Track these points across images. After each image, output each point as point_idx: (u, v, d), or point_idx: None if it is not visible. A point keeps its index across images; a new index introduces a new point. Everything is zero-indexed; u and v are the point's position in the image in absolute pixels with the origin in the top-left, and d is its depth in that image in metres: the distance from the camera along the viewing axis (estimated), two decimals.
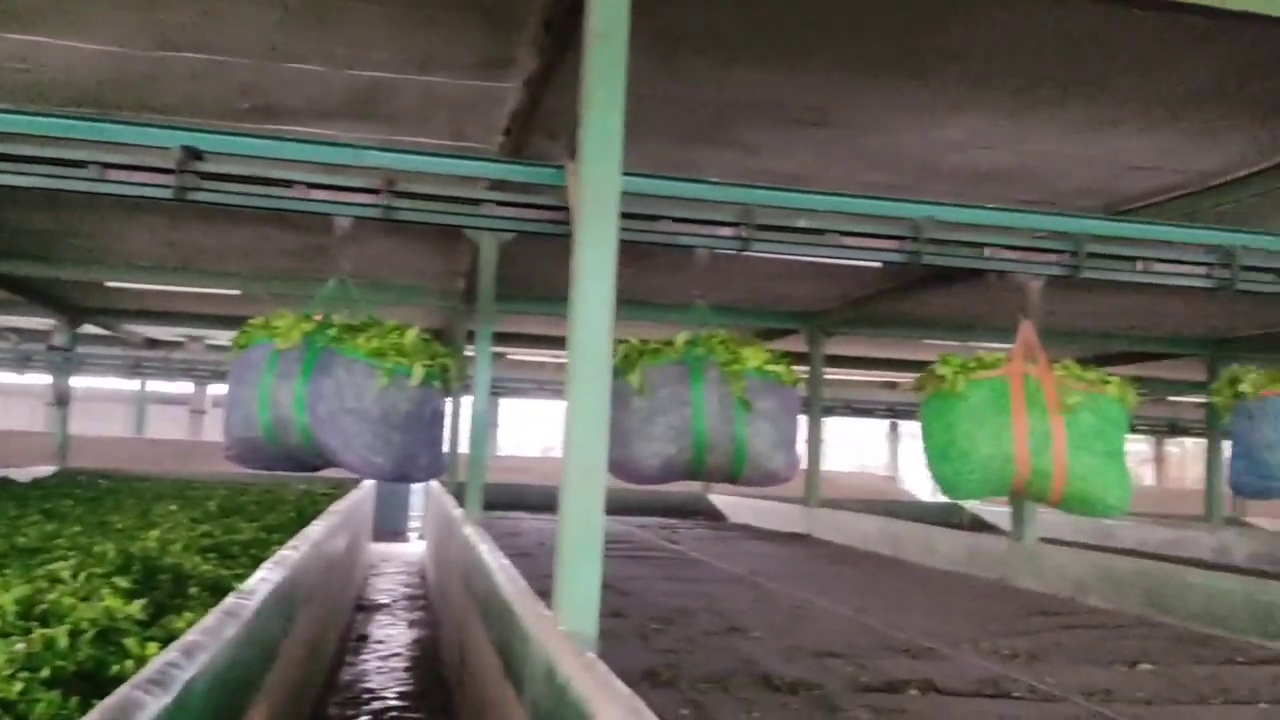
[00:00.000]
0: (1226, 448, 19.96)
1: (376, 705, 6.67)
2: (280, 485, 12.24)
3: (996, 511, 16.19)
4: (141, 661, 2.92)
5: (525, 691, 3.72)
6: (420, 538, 15.50)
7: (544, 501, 10.19)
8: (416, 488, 15.37)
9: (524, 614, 4.02)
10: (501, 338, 17.50)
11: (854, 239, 5.49)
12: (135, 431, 27.54)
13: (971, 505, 20.04)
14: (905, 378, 22.31)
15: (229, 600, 3.45)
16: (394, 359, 5.07)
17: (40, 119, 4.99)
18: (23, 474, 13.08)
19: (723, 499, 17.60)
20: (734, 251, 5.41)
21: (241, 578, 4.24)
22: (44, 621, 3.25)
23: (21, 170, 4.87)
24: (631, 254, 11.12)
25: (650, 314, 13.74)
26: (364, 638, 8.60)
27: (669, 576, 8.89)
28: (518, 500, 16.29)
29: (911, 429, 30.35)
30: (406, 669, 7.67)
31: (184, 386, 27.65)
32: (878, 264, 5.88)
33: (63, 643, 3.01)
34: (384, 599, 10.79)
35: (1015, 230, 5.84)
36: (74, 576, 3.92)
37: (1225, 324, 13.53)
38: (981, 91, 6.08)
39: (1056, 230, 5.82)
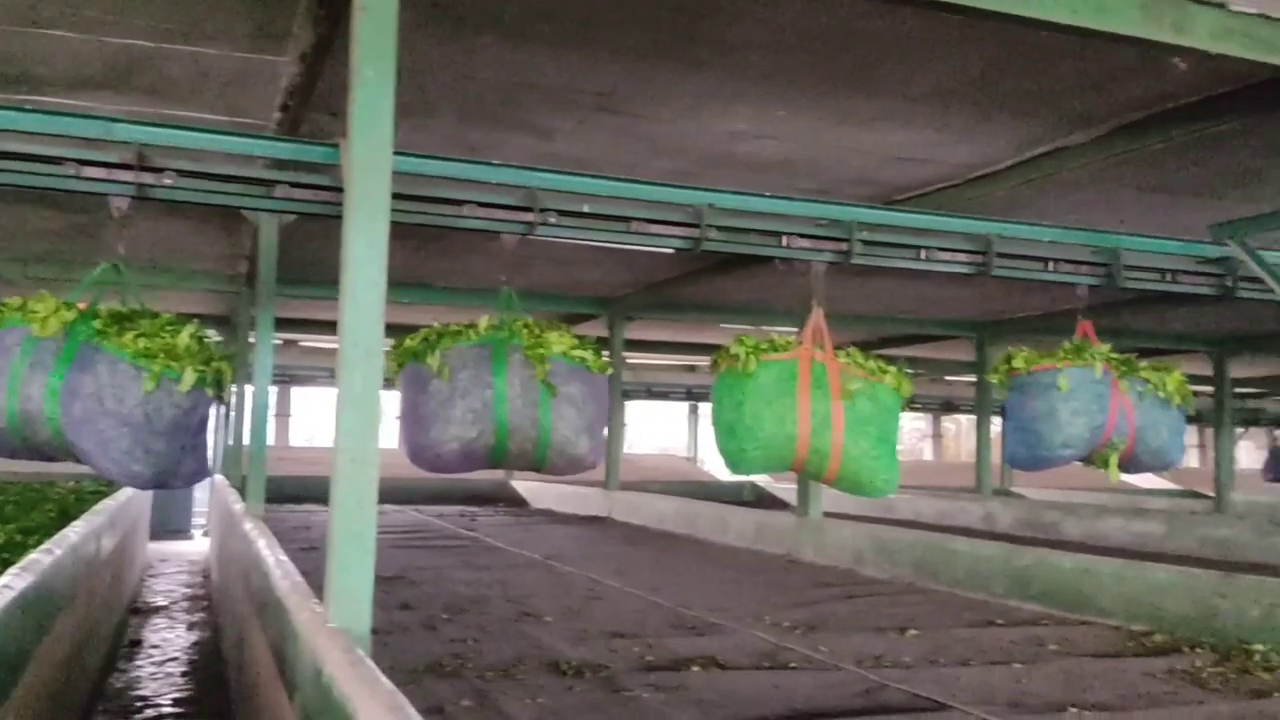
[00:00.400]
0: (995, 423, 21.51)
1: (150, 713, 6.31)
2: (46, 483, 11.42)
3: (790, 489, 16.79)
4: None
5: (296, 693, 3.59)
6: (205, 535, 14.77)
7: None
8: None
9: (295, 611, 3.87)
10: (292, 324, 16.86)
11: (639, 224, 5.54)
12: None
13: (763, 481, 20.76)
14: (703, 361, 22.86)
15: None
16: (163, 362, 4.73)
17: None
18: None
19: (525, 485, 17.55)
20: (519, 235, 5.36)
21: None
22: None
23: None
24: (437, 240, 10.96)
25: (456, 299, 13.58)
26: (138, 643, 8.13)
27: (464, 565, 8.78)
28: (312, 493, 15.71)
29: (709, 411, 31.12)
30: (184, 674, 7.29)
31: None
32: (663, 249, 5.95)
33: None
34: (162, 601, 10.23)
35: (793, 217, 6.04)
36: None
37: (991, 308, 14.49)
38: (760, 83, 6.24)
39: (830, 218, 6.06)
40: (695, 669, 4.88)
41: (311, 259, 10.36)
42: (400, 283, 13.22)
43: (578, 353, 5.31)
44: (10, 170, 4.68)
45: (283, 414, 24.60)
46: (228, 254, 11.79)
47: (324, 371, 20.28)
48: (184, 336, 4.86)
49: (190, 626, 8.87)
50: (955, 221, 6.40)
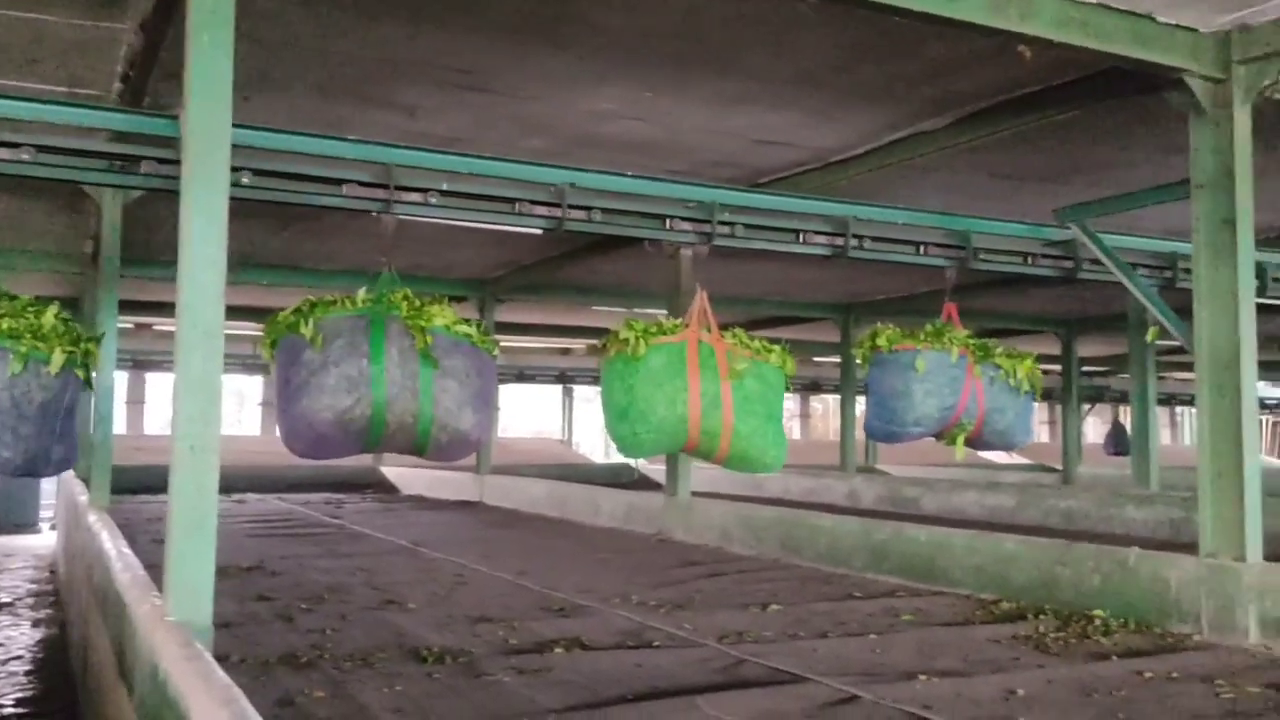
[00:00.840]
0: (860, 403, 21.96)
1: None
2: None
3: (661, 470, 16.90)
4: None
5: (135, 690, 3.43)
6: (53, 528, 14.05)
7: None
8: None
9: (134, 605, 3.71)
10: (146, 307, 16.12)
11: (500, 204, 5.47)
12: None
13: (641, 463, 20.88)
14: (576, 343, 22.83)
15: None
16: (30, 343, 4.51)
17: None
18: None
19: (395, 470, 17.23)
20: (374, 213, 5.22)
21: None
22: None
23: None
24: (301, 220, 10.58)
25: (324, 281, 13.21)
26: None
27: (327, 553, 8.57)
28: (167, 483, 15.11)
29: (585, 394, 31.15)
30: (29, 673, 6.91)
31: None
32: (526, 229, 5.89)
33: None
34: (6, 598, 9.68)
35: (656, 198, 6.04)
36: None
37: (854, 290, 14.86)
38: (626, 64, 6.23)
39: (692, 199, 6.09)
40: (559, 650, 4.86)
41: (163, 238, 9.93)
42: (264, 264, 12.83)
43: (461, 328, 5.20)
44: None
45: (136, 401, 23.59)
46: (73, 233, 11.18)
47: None
48: (49, 317, 4.65)
49: (36, 624, 8.42)
50: (814, 204, 6.53)
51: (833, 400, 30.71)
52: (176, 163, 4.73)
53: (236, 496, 14.61)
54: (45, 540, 14.02)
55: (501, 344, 18.44)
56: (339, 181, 5.13)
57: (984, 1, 4.72)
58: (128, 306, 11.71)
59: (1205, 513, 5.37)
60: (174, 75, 6.13)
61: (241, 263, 12.49)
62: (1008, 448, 7.43)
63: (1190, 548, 5.57)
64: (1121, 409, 25.31)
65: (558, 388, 27.12)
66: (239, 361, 20.59)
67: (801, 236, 6.37)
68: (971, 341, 6.88)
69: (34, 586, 10.46)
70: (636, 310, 15.77)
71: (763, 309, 16.22)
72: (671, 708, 3.90)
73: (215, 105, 3.46)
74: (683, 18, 5.57)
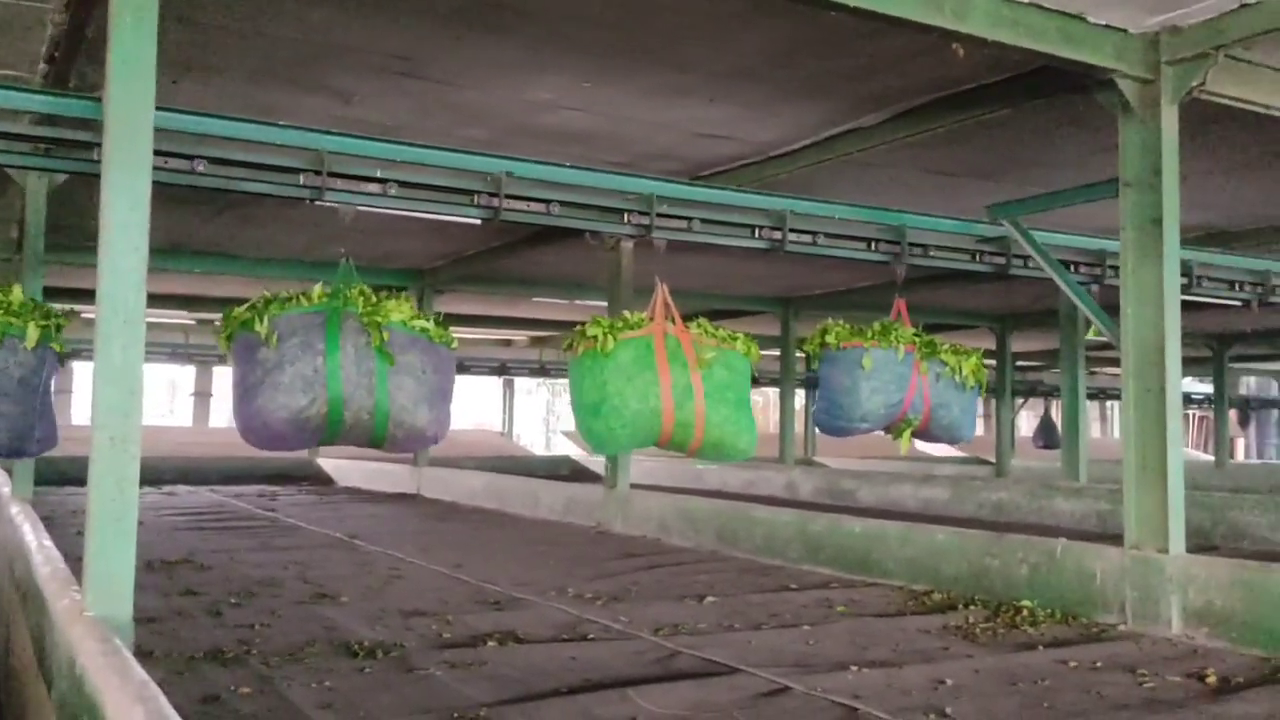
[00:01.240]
0: (799, 396, 22.08)
1: None
2: None
3: (600, 461, 16.89)
4: None
5: (54, 686, 3.34)
6: None
7: None
8: None
9: (53, 600, 3.61)
10: (74, 294, 15.72)
11: (434, 192, 5.41)
12: None
13: (579, 455, 20.86)
14: (517, 335, 22.73)
15: None
16: (3, 319, 4.44)
17: None
18: None
19: (331, 462, 17.00)
20: (307, 200, 5.13)
21: None
22: None
23: None
24: (236, 207, 10.34)
25: (262, 270, 13.02)
26: None
27: (260, 546, 8.43)
28: None
29: (525, 385, 31.00)
30: None
31: None
32: (462, 219, 5.84)
33: None
34: None
35: (594, 189, 6.02)
36: None
37: (794, 283, 14.96)
38: (565, 54, 6.19)
39: (630, 191, 6.08)
40: (493, 644, 4.82)
41: (92, 224, 9.68)
42: (196, 251, 12.57)
43: (417, 322, 5.21)
44: None
45: (63, 390, 22.99)
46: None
47: None
48: (17, 294, 4.61)
49: None
50: (751, 198, 6.55)
51: (772, 393, 30.96)
52: (100, 146, 4.60)
53: (166, 488, 14.32)
54: None
55: None
56: (269, 168, 5.03)
57: None
58: (55, 294, 11.39)
59: (1130, 505, 5.49)
60: (100, 58, 5.99)
61: (173, 250, 12.23)
62: (953, 441, 7.59)
63: (1117, 539, 5.68)
64: (1054, 404, 25.82)
65: (498, 380, 26.97)
66: (170, 351, 20.20)
67: (739, 230, 6.39)
68: (918, 339, 7.00)
69: None
70: (578, 302, 15.77)
71: (703, 302, 16.25)
72: (604, 700, 3.89)
73: (138, 87, 3.37)
74: (621, 8, 5.55)
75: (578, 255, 11.26)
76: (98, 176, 4.86)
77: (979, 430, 31.13)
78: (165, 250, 12.00)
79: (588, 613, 5.63)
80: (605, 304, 9.89)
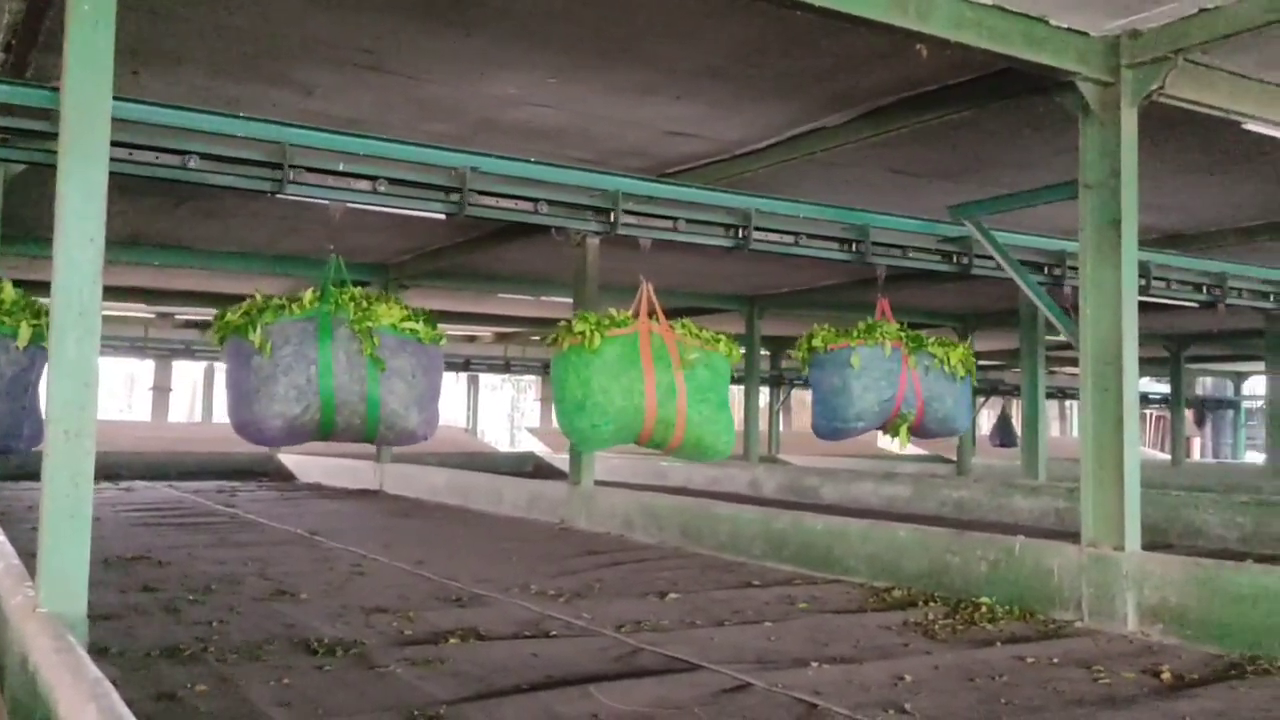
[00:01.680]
0: (764, 394, 22.08)
1: None
2: None
3: (564, 458, 16.86)
4: None
5: (7, 683, 3.29)
6: None
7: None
8: None
9: (6, 596, 3.56)
10: (33, 286, 15.46)
11: (398, 186, 5.37)
12: None
13: (543, 452, 20.83)
14: (482, 331, 22.62)
15: None
16: None
17: None
18: None
19: (292, 458, 16.84)
20: (267, 193, 5.08)
21: None
22: None
23: None
24: (197, 199, 10.17)
25: (224, 264, 12.88)
26: None
27: (219, 543, 8.34)
28: None
29: (490, 381, 30.86)
30: None
31: None
32: (426, 213, 5.79)
33: None
34: None
35: (560, 185, 6.01)
36: None
37: (760, 282, 15.00)
38: (530, 49, 6.16)
39: (595, 187, 6.07)
40: (454, 641, 4.81)
41: (47, 215, 9.52)
42: (157, 244, 12.39)
43: (408, 324, 5.29)
44: None
45: None
46: None
47: None
48: (9, 292, 4.58)
49: None
50: (717, 196, 6.56)
51: (737, 391, 31.05)
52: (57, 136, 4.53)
53: (124, 484, 14.12)
54: None
55: None
56: (230, 160, 4.97)
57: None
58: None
59: (1086, 503, 5.56)
60: (58, 47, 5.88)
61: (133, 243, 12.06)
62: (952, 433, 7.72)
63: (1075, 537, 5.75)
64: (1011, 402, 26.09)
65: (462, 375, 26.85)
66: (129, 344, 19.93)
67: (705, 228, 6.40)
68: (904, 334, 7.08)
69: None
70: (544, 299, 15.72)
71: (668, 300, 16.13)
72: (566, 697, 3.89)
73: (95, 76, 3.32)
74: (587, 4, 5.53)
75: (544, 251, 11.23)
76: (54, 167, 4.83)
77: None
78: (125, 243, 11.84)
79: (550, 609, 5.62)
80: (570, 300, 9.87)
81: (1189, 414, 27.24)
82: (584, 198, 6.04)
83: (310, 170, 5.14)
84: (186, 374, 26.48)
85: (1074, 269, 7.46)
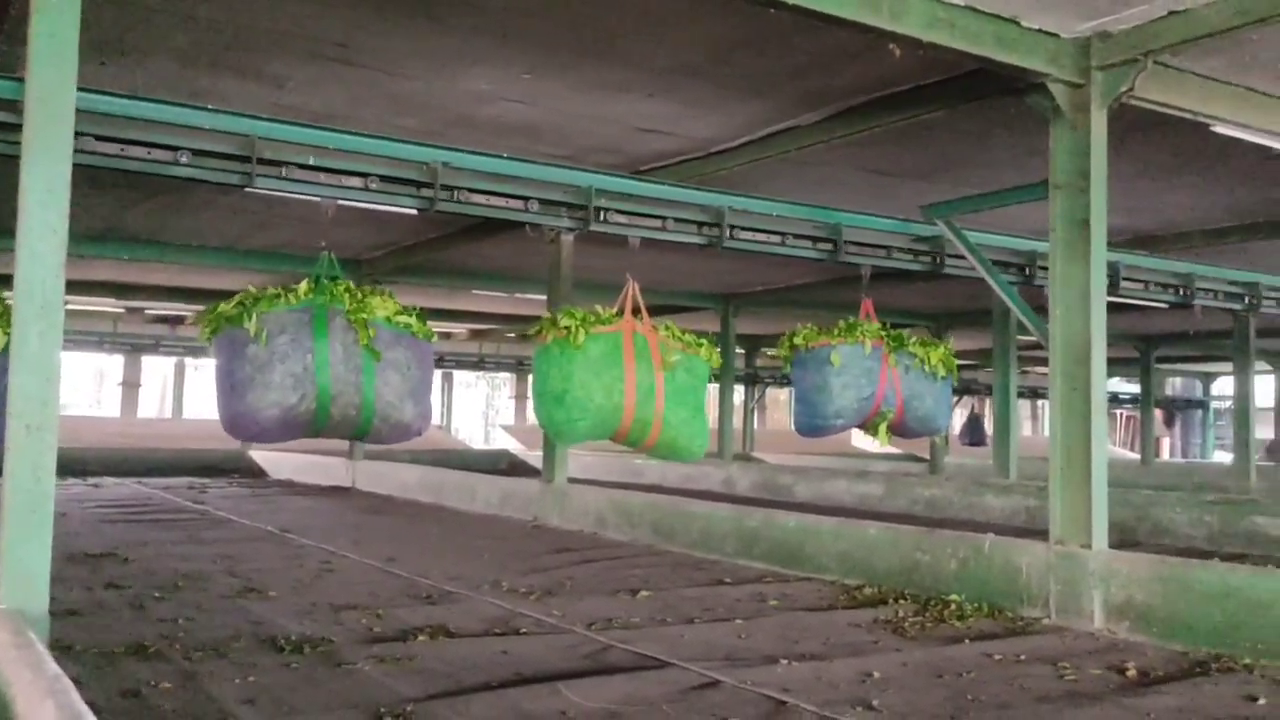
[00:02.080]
0: (738, 392, 22.09)
1: None
2: None
3: (538, 456, 16.83)
4: None
5: None
6: None
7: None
8: None
9: None
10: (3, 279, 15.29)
11: (369, 181, 5.34)
12: None
13: (517, 449, 20.77)
14: (456, 328, 22.54)
15: None
16: None
17: None
18: None
19: (263, 455, 16.71)
20: (235, 187, 5.03)
21: None
22: None
23: None
24: (166, 193, 10.05)
25: (195, 258, 12.77)
26: None
27: (187, 539, 8.26)
28: None
29: (464, 379, 30.76)
30: None
31: None
32: (397, 209, 5.76)
33: None
34: None
35: (532, 181, 5.99)
36: None
37: (735, 280, 15.01)
38: (504, 44, 6.14)
39: (568, 184, 6.05)
40: (423, 638, 4.78)
41: (9, 207, 9.40)
42: (126, 238, 12.26)
43: (402, 318, 5.30)
44: None
45: None
46: None
47: None
48: None
49: None
50: (690, 193, 6.57)
51: (712, 389, 31.11)
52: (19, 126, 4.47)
53: (92, 480, 13.98)
54: None
55: None
56: (198, 153, 4.92)
57: None
58: None
59: (1055, 501, 5.60)
60: (23, 36, 5.80)
61: (101, 237, 11.92)
62: (932, 433, 7.80)
63: (1044, 535, 5.79)
64: (985, 401, 26.26)
65: (436, 372, 26.75)
66: (98, 339, 19.72)
67: (678, 225, 6.41)
68: (885, 333, 7.14)
69: None
70: (518, 295, 15.68)
71: (644, 297, 16.22)
72: (534, 695, 3.87)
73: (59, 66, 3.27)
74: (563, 1, 5.51)
75: (518, 248, 11.20)
76: (17, 159, 4.77)
77: None
78: (93, 237, 11.70)
79: (520, 607, 5.61)
80: (545, 297, 9.84)
81: (1158, 414, 27.51)
82: (557, 194, 6.02)
83: (279, 164, 5.10)
84: (156, 369, 26.24)
85: (1045, 269, 7.52)
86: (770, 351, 22.27)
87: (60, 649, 4.21)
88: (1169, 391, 32.37)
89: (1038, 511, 9.75)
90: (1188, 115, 5.98)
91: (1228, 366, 21.22)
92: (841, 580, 6.64)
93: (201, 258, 12.85)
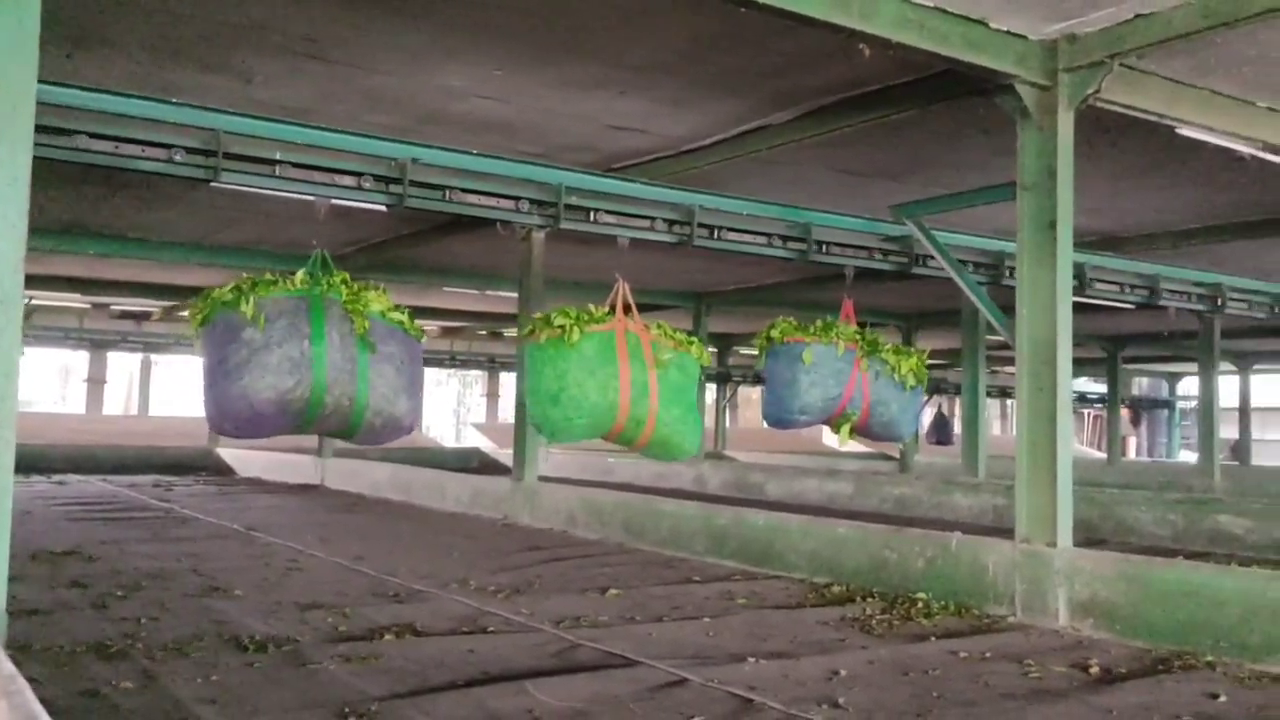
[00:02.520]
0: (710, 390, 22.12)
1: None
2: None
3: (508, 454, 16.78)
4: None
5: None
6: None
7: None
8: None
9: None
10: None
11: (336, 177, 5.30)
12: None
13: (489, 448, 20.71)
14: (428, 325, 22.43)
15: None
16: None
17: None
18: None
19: (231, 452, 16.57)
20: (200, 181, 4.98)
21: None
22: None
23: None
24: (131, 187, 9.92)
25: (160, 254, 12.63)
26: None
27: (152, 538, 8.17)
28: None
29: (436, 376, 30.61)
30: None
31: None
32: (366, 204, 5.72)
33: None
34: None
35: (502, 178, 5.97)
36: None
37: (709, 279, 15.02)
38: (473, 40, 6.11)
39: (538, 181, 6.03)
40: (390, 637, 4.75)
41: None
42: (93, 233, 12.11)
43: (395, 315, 5.28)
44: None
45: None
46: None
47: None
48: None
49: None
50: (661, 191, 6.57)
51: None
52: None
53: (56, 478, 13.81)
54: None
55: None
56: (162, 146, 4.86)
57: None
58: None
59: (1021, 500, 5.64)
60: None
61: (67, 231, 11.77)
62: (895, 439, 7.86)
63: (1011, 533, 5.83)
64: (949, 400, 26.42)
65: None
66: (63, 335, 19.47)
67: (648, 223, 6.40)
68: (861, 337, 7.19)
69: None
70: (490, 293, 15.61)
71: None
72: (500, 693, 3.86)
73: (19, 59, 3.21)
74: None
75: (490, 245, 11.12)
76: None
77: None
78: (59, 231, 11.56)
79: (489, 605, 5.59)
80: (516, 295, 9.80)
81: (1125, 413, 27.78)
82: (527, 191, 6.00)
83: (245, 159, 5.05)
84: (122, 366, 25.94)
85: (1013, 269, 7.58)
86: (743, 350, 22.39)
87: (18, 648, 4.15)
88: (1136, 391, 32.70)
89: (1005, 510, 9.81)
90: (1154, 118, 6.04)
91: (1193, 367, 21.47)
92: (810, 578, 6.66)
93: (169, 254, 12.72)
